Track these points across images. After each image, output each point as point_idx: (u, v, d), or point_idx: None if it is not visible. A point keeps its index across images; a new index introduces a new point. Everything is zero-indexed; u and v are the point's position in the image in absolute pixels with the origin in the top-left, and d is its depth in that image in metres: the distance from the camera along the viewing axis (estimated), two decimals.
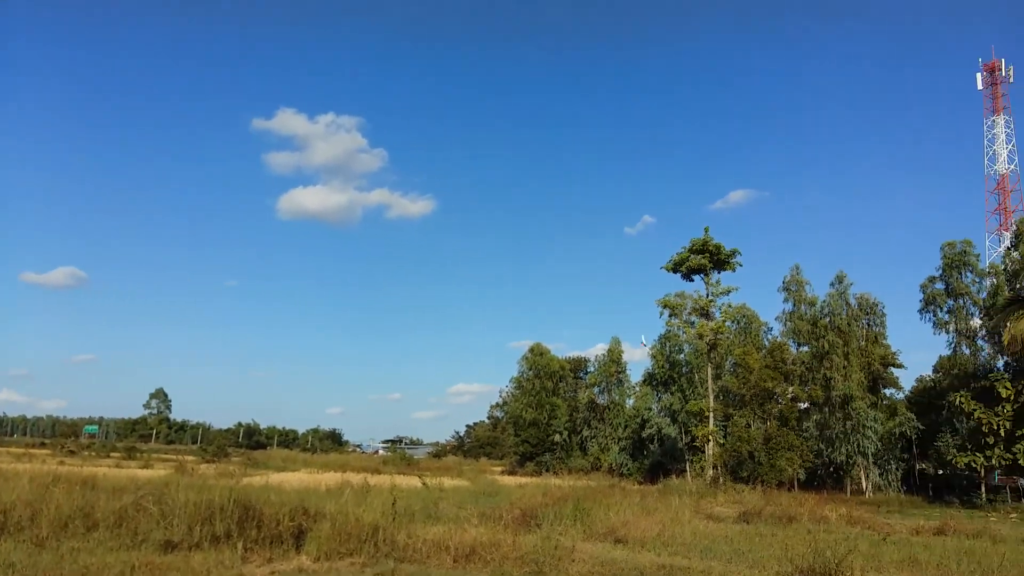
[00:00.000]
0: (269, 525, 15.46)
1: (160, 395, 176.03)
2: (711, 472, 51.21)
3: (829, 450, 57.23)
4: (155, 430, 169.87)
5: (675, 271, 55.34)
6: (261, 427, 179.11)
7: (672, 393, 69.55)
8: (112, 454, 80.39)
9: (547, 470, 75.40)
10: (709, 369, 55.28)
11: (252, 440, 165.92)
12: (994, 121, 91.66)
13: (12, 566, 11.94)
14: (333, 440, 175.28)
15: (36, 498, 15.90)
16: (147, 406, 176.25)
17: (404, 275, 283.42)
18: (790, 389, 61.96)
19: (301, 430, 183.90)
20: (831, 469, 58.84)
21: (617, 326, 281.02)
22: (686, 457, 63.10)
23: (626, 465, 72.79)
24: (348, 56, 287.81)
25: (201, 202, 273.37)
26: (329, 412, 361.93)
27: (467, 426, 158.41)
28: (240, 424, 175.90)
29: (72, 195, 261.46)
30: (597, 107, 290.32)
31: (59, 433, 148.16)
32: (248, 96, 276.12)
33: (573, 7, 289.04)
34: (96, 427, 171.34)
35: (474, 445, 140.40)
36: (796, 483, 56.07)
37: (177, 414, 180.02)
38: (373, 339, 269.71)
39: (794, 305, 63.40)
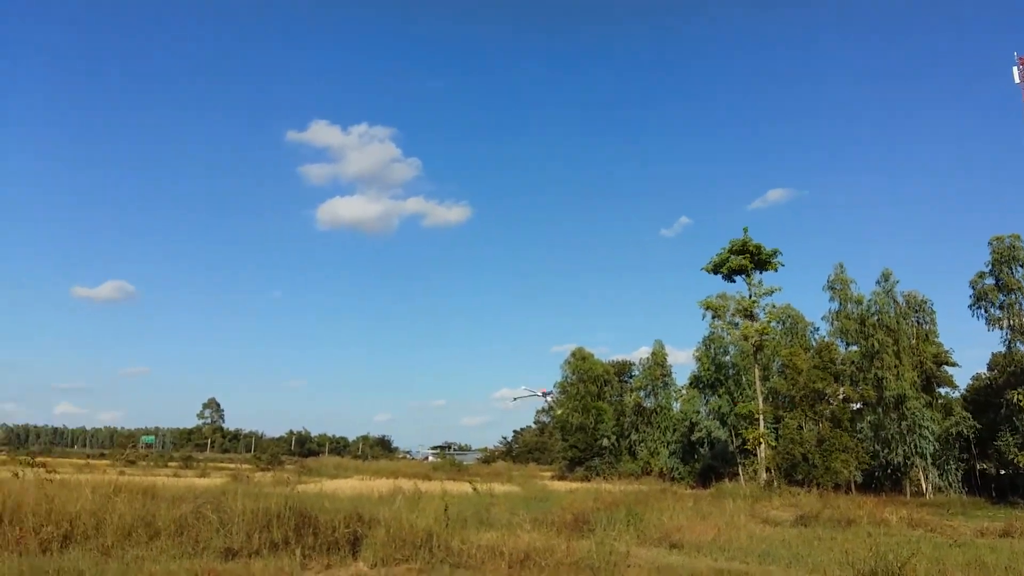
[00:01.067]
0: (325, 532, 15.67)
1: (213, 405, 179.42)
2: (764, 475, 50.44)
3: (885, 451, 55.95)
4: (209, 439, 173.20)
5: (716, 272, 54.75)
6: (312, 435, 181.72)
7: (720, 396, 68.73)
8: (169, 464, 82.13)
9: (596, 475, 74.98)
10: (756, 371, 54.50)
11: (304, 448, 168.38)
12: None
13: (81, 574, 12.27)
14: (383, 447, 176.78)
15: (100, 508, 16.24)
16: (200, 416, 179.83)
17: (443, 282, 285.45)
18: (841, 389, 60.80)
19: (351, 437, 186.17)
20: (888, 471, 57.50)
21: (659, 329, 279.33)
22: (738, 460, 62.24)
23: (677, 469, 72.10)
24: (379, 67, 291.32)
25: (241, 215, 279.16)
26: (377, 419, 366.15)
27: (514, 431, 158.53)
28: (291, 432, 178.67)
29: (118, 211, 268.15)
30: (630, 110, 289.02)
31: (117, 444, 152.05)
32: (281, 109, 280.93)
33: (605, 11, 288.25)
34: (153, 437, 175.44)
35: (522, 450, 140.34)
36: (853, 485, 54.93)
37: (230, 423, 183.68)
38: (417, 346, 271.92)
39: (840, 304, 62.22)
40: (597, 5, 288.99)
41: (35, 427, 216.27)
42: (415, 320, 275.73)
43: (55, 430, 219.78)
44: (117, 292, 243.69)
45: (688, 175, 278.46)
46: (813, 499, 34.77)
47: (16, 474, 23.22)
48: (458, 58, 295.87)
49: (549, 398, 71.75)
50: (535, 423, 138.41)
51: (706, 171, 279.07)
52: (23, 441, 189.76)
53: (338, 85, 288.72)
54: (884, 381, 55.48)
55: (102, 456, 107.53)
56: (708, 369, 70.65)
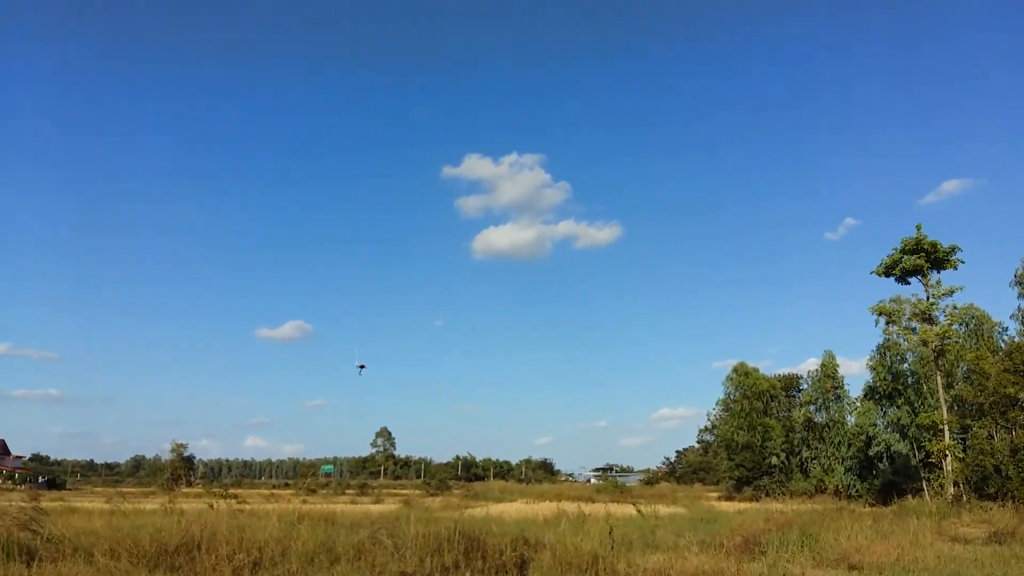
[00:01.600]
0: (493, 555, 16.11)
1: (384, 434, 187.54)
2: (952, 490, 46.94)
3: None
4: (383, 467, 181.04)
5: (887, 275, 51.74)
6: (477, 459, 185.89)
7: (899, 407, 64.56)
8: (347, 491, 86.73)
9: (766, 494, 72.23)
10: (939, 378, 50.89)
11: (470, 472, 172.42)
12: None
13: None
14: (545, 470, 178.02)
15: (285, 535, 17.47)
16: (374, 444, 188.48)
17: (598, 302, 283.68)
18: None
19: (514, 461, 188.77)
20: None
21: (827, 339, 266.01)
22: (921, 475, 58.08)
23: (854, 486, 68.24)
24: (525, 96, 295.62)
25: (404, 249, 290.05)
26: (538, 442, 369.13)
27: (677, 452, 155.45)
28: (458, 457, 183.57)
29: (293, 253, 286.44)
30: (779, 109, 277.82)
31: (300, 474, 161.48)
32: (437, 145, 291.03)
33: (749, 11, 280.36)
34: (331, 467, 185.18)
35: (686, 471, 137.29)
36: None
37: (401, 450, 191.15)
38: (575, 368, 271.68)
39: None
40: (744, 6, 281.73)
41: (228, 461, 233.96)
42: (573, 342, 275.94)
43: (245, 463, 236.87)
44: (297, 331, 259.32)
45: (850, 173, 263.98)
46: (1008, 514, 31.99)
47: (211, 505, 25.43)
48: (600, 78, 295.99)
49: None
50: (698, 442, 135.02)
51: (871, 167, 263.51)
52: (217, 474, 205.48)
53: (487, 118, 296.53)
54: None
55: (286, 486, 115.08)
56: (884, 379, 66.57)
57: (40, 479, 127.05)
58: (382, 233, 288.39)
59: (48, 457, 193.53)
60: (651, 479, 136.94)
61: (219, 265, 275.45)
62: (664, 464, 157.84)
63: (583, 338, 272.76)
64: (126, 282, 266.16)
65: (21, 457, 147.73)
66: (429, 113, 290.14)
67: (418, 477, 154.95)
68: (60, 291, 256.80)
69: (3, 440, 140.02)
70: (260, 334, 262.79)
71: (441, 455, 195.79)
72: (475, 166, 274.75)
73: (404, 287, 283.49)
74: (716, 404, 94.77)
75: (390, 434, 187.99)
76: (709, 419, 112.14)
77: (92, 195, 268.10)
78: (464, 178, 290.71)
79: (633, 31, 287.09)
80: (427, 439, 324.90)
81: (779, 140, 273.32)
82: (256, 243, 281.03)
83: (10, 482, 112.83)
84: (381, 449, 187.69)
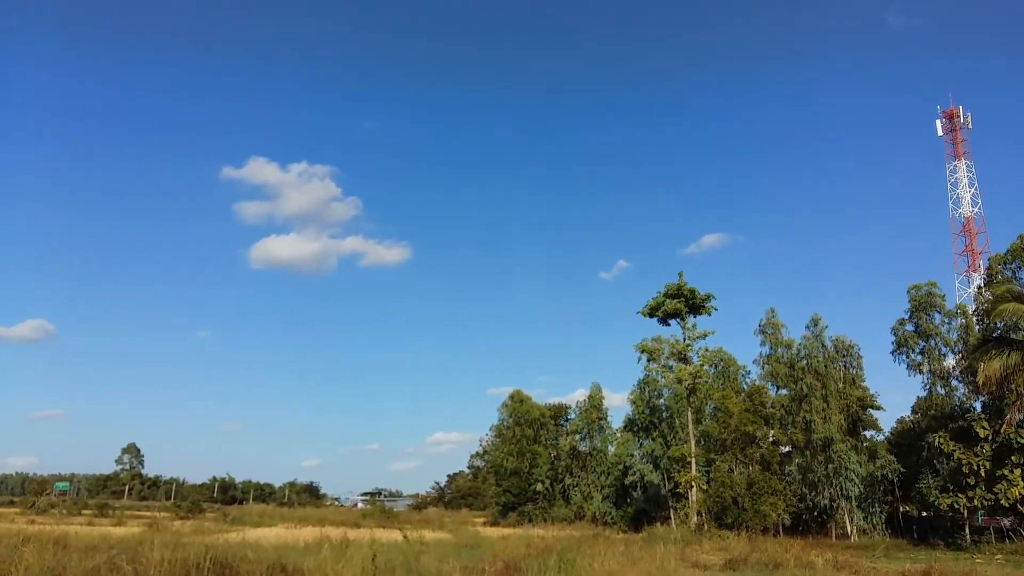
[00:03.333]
0: None
1: (132, 450, 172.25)
2: (695, 519, 50.70)
3: (812, 494, 56.94)
4: (128, 486, 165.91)
5: (651, 316, 55.50)
6: (236, 481, 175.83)
7: (654, 439, 69.16)
8: (84, 512, 78.42)
9: (530, 520, 74.31)
10: (689, 414, 55.13)
11: (227, 495, 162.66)
12: (956, 166, 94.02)
13: None
14: (310, 493, 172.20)
15: (5, 559, 15.47)
16: (119, 461, 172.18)
17: (380, 322, 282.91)
18: (771, 433, 61.82)
19: (277, 484, 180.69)
20: (815, 513, 58.48)
21: (596, 371, 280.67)
22: (670, 504, 62.49)
23: (610, 513, 71.90)
24: (319, 103, 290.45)
25: (172, 252, 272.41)
26: (305, 464, 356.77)
27: (447, 476, 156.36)
28: (215, 479, 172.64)
29: (38, 246, 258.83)
30: (570, 150, 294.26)
31: (29, 491, 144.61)
32: (217, 144, 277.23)
33: (544, 47, 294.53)
34: (67, 484, 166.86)
35: (455, 496, 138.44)
36: (781, 528, 55.62)
37: (150, 469, 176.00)
38: (349, 388, 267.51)
39: (771, 348, 63.63)
40: (534, 42, 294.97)
41: None
42: (350, 361, 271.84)
43: None
44: (36, 332, 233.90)
45: (627, 218, 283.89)
46: (742, 542, 35.02)
47: None
48: (396, 94, 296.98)
49: None
50: (469, 468, 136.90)
51: (644, 215, 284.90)
52: None
53: (278, 121, 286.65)
54: (812, 424, 56.63)
55: (11, 504, 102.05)
56: (643, 412, 71.13)
57: None
58: (147, 231, 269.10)
59: None
60: (420, 504, 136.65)
61: None
62: (434, 489, 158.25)
63: (361, 358, 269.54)
64: None
65: None
66: (211, 108, 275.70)
67: (168, 499, 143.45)
68: None
69: None
70: None
71: (196, 475, 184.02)
72: (259, 170, 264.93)
73: (167, 291, 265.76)
74: (490, 430, 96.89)
75: (139, 450, 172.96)
76: (481, 444, 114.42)
77: None
78: (246, 181, 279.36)
79: (432, 52, 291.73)
80: (181, 458, 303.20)
81: (565, 181, 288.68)
82: None
83: None
84: (127, 467, 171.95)
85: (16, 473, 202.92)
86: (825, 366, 59.70)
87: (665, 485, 64.55)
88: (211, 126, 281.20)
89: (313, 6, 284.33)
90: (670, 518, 59.75)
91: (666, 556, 26.42)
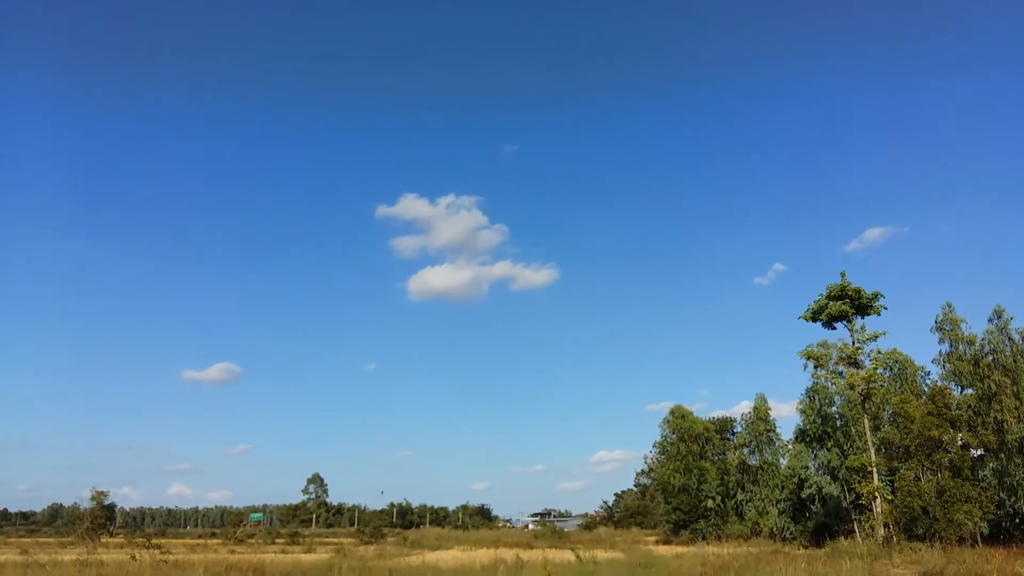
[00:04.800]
0: None
1: (316, 480, 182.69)
2: (882, 531, 47.89)
3: (1012, 500, 52.36)
4: (314, 514, 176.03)
5: (814, 320, 53.18)
6: (412, 506, 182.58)
7: (828, 449, 65.97)
8: (277, 540, 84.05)
9: (703, 538, 72.64)
10: (866, 421, 52.27)
11: (405, 520, 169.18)
12: None
13: None
14: (482, 516, 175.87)
15: None
16: (305, 491, 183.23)
17: (534, 345, 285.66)
18: (959, 436, 57.48)
19: (451, 507, 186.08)
20: (1017, 520, 53.71)
21: (759, 382, 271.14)
22: (852, 516, 59.26)
23: (788, 529, 69.17)
24: (461, 134, 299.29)
25: (337, 289, 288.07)
26: (475, 487, 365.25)
27: (615, 495, 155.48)
28: (392, 504, 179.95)
29: (222, 292, 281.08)
30: (708, 150, 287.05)
31: (227, 522, 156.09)
32: (372, 184, 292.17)
33: (675, 64, 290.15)
34: (260, 515, 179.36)
35: (624, 515, 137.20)
36: (979, 538, 51.43)
37: (333, 497, 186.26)
38: (511, 411, 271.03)
39: (951, 345, 59.20)
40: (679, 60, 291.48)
41: (150, 509, 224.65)
42: (509, 385, 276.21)
43: (169, 511, 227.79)
44: (225, 374, 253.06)
45: (779, 219, 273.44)
46: (936, 554, 32.85)
47: (133, 556, 24.27)
48: (536, 122, 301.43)
49: None
50: (635, 486, 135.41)
51: (798, 215, 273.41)
52: (140, 523, 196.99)
53: (424, 158, 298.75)
54: (1005, 424, 52.28)
55: (213, 535, 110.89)
56: (814, 422, 68.05)
57: None
58: (314, 272, 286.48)
59: None
60: (589, 524, 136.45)
61: (144, 302, 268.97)
62: (602, 508, 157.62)
63: (519, 381, 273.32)
64: (40, 323, 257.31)
65: None
66: (365, 151, 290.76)
67: (351, 525, 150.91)
68: None
69: None
70: (186, 376, 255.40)
71: (375, 502, 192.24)
72: (411, 206, 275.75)
73: (336, 328, 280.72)
74: (653, 447, 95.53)
75: (322, 480, 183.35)
76: (646, 462, 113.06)
77: (19, 245, 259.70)
78: (399, 218, 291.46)
79: (571, 80, 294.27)
80: (360, 486, 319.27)
81: (711, 187, 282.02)
82: (184, 281, 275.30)
83: None
84: (313, 496, 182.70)
85: (216, 506, 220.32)
86: (1014, 361, 54.98)
87: (845, 497, 61.38)
88: (365, 168, 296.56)
89: (442, 44, 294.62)
90: (854, 531, 56.68)
91: (853, 571, 25.26)
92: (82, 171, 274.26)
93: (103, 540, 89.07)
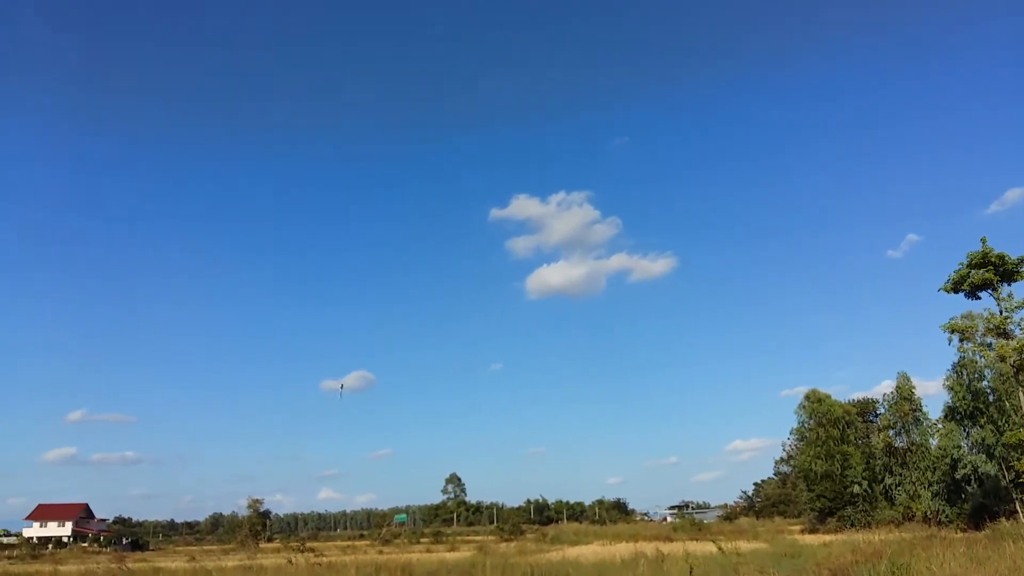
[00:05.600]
0: None
1: (454, 480, 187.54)
2: None
3: None
4: (455, 513, 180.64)
5: (955, 291, 50.31)
6: (549, 502, 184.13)
7: (982, 426, 62.21)
8: (421, 540, 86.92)
9: (851, 525, 69.95)
10: (1021, 394, 49.05)
11: (543, 516, 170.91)
12: None
13: None
14: (619, 510, 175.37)
15: None
16: (444, 491, 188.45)
17: (658, 335, 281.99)
18: None
19: (587, 502, 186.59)
20: None
21: (900, 359, 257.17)
22: (1013, 496, 55.77)
23: (943, 512, 65.75)
24: (569, 135, 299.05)
25: (458, 293, 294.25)
26: (610, 482, 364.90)
27: (754, 484, 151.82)
28: (529, 501, 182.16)
29: (353, 305, 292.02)
30: (832, 132, 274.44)
31: (374, 524, 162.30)
32: (483, 188, 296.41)
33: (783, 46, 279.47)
34: (404, 516, 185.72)
35: (765, 504, 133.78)
36: None
37: (471, 496, 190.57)
38: (640, 404, 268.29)
39: None
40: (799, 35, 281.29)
41: (303, 514, 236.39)
42: (636, 377, 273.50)
43: (319, 515, 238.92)
44: (361, 381, 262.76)
45: (908, 189, 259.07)
46: None
47: (290, 560, 26.00)
48: (641, 110, 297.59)
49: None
50: (775, 474, 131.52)
51: (929, 181, 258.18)
52: (293, 528, 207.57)
53: (532, 158, 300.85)
54: None
55: (361, 537, 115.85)
56: (963, 398, 64.31)
57: (124, 541, 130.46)
58: (435, 279, 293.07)
59: (130, 519, 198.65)
60: (729, 515, 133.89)
61: (281, 319, 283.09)
62: (741, 498, 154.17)
63: (646, 373, 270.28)
64: (195, 345, 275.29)
65: (104, 520, 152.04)
66: (474, 157, 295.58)
67: (491, 523, 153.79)
68: (135, 356, 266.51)
69: (86, 504, 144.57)
70: (325, 386, 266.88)
71: (512, 499, 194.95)
72: (523, 206, 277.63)
73: (459, 332, 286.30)
74: (790, 433, 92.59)
75: (459, 480, 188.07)
76: (784, 449, 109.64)
77: (167, 265, 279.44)
78: (512, 219, 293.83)
79: (675, 66, 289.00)
80: (496, 484, 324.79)
81: (833, 162, 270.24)
82: (314, 295, 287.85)
83: (95, 545, 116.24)
84: (452, 496, 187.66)
85: (362, 509, 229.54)
86: None
87: (1004, 476, 57.80)
88: (476, 173, 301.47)
89: (543, 47, 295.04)
90: (1016, 512, 53.34)
91: (1018, 554, 23.95)
92: (226, 188, 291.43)
93: (261, 545, 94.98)
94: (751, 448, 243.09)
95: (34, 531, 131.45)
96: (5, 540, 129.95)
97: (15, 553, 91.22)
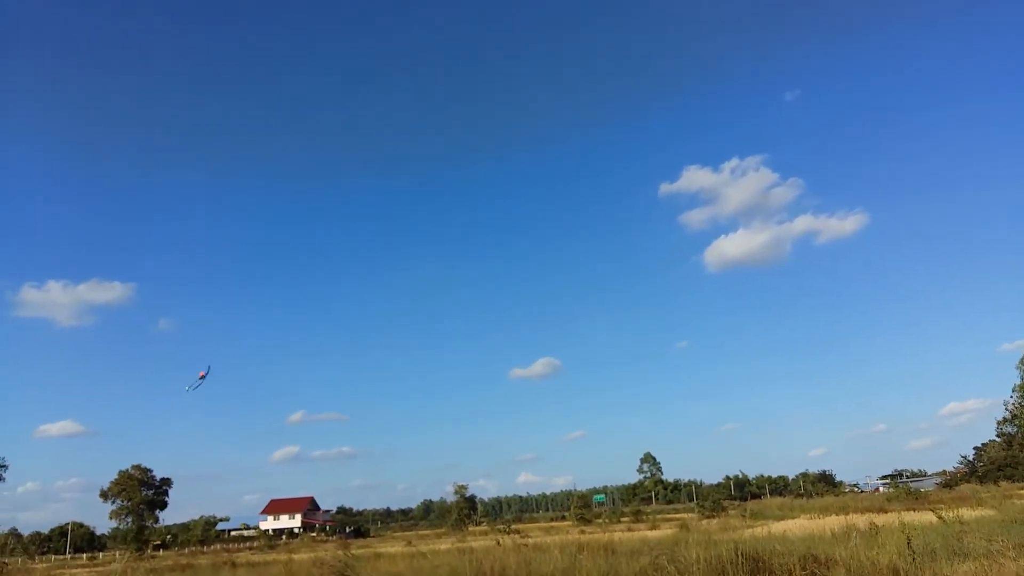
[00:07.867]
0: (780, 575, 15.72)
1: (649, 459, 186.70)
2: None
3: None
4: (652, 492, 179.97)
5: None
6: (750, 477, 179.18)
7: None
8: (621, 519, 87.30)
9: None
10: None
11: (743, 491, 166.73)
12: None
13: None
14: (825, 482, 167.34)
15: (568, 566, 18.22)
16: (640, 471, 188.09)
17: (852, 299, 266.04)
18: None
19: (790, 476, 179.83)
20: None
21: None
22: None
23: None
24: (738, 98, 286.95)
25: (636, 273, 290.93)
26: (812, 454, 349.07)
27: (974, 449, 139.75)
28: (728, 477, 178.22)
29: (536, 294, 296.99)
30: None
31: (572, 504, 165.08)
32: (652, 164, 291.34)
33: None
34: (603, 496, 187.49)
35: (989, 468, 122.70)
36: None
37: (668, 474, 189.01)
38: (836, 373, 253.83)
39: None
40: None
41: (505, 498, 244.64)
42: (829, 344, 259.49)
43: (521, 498, 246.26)
44: (547, 368, 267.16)
45: None
46: None
47: (497, 542, 27.13)
48: (814, 66, 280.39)
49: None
50: (998, 436, 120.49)
51: None
52: (498, 512, 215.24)
53: (701, 128, 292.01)
54: None
55: (562, 518, 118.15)
56: None
57: (347, 529, 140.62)
58: (612, 260, 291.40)
59: (351, 508, 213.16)
60: (949, 481, 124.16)
61: (470, 310, 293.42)
62: (962, 464, 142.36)
63: (840, 339, 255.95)
64: (396, 343, 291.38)
65: (329, 511, 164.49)
66: (639, 132, 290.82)
67: (690, 500, 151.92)
68: (343, 360, 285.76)
69: (312, 497, 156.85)
70: (514, 374, 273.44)
71: (709, 476, 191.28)
72: (694, 178, 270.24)
73: (642, 311, 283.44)
74: (1013, 391, 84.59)
75: (655, 459, 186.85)
76: (1007, 408, 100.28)
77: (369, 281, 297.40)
78: (683, 192, 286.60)
79: (849, 10, 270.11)
80: (690, 461, 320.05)
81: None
82: (500, 286, 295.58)
83: (322, 534, 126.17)
84: (648, 475, 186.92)
85: (560, 491, 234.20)
86: None
87: None
88: (642, 148, 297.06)
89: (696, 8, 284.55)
90: None
91: None
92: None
93: (470, 529, 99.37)
94: (968, 410, 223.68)
95: (268, 524, 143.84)
96: (246, 533, 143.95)
97: (255, 544, 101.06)
